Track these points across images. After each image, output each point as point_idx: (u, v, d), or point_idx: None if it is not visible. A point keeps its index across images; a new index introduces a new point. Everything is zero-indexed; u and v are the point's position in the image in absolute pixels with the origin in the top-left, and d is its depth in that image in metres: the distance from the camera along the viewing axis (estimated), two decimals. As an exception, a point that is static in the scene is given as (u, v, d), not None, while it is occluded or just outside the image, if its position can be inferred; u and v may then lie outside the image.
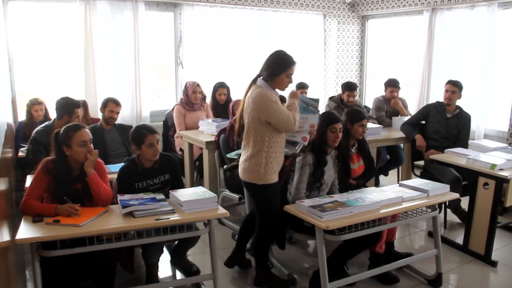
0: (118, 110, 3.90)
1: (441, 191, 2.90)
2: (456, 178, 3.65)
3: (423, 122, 4.27)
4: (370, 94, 6.66)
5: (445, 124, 4.10)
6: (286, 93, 2.82)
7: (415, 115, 4.36)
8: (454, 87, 4.05)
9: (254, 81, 2.74)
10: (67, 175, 2.52)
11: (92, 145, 2.56)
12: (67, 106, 3.62)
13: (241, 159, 2.81)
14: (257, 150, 2.68)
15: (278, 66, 2.67)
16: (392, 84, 4.78)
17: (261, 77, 2.71)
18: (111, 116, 3.84)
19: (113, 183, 2.77)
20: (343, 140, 3.03)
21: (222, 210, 2.51)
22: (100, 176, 2.56)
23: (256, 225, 2.89)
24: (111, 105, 3.84)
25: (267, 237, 2.90)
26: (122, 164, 2.91)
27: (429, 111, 4.19)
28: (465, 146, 4.01)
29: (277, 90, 2.75)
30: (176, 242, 2.99)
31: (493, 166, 3.20)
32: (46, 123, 3.66)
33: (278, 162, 2.75)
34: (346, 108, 4.29)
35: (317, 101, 2.97)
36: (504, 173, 3.14)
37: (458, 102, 4.17)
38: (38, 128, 3.59)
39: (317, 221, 2.41)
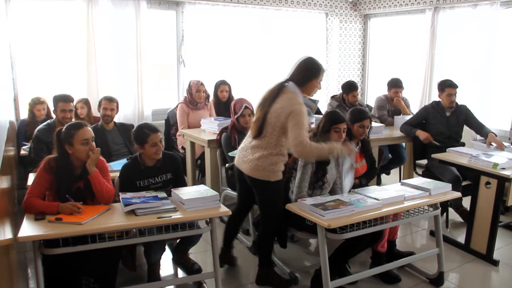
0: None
1: (443, 190, 2.90)
2: (456, 177, 3.64)
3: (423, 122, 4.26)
4: (372, 93, 6.65)
5: (446, 123, 4.09)
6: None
7: (413, 117, 4.32)
8: (456, 89, 4.05)
9: (283, 85, 2.73)
10: (69, 173, 2.53)
11: (94, 143, 2.57)
12: (53, 100, 3.64)
13: (250, 156, 2.75)
14: (276, 152, 2.70)
15: (311, 72, 2.74)
16: (396, 85, 4.75)
17: (292, 82, 2.72)
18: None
19: (115, 181, 2.77)
20: (347, 140, 3.03)
21: (224, 209, 2.52)
22: (102, 174, 2.56)
23: (261, 223, 2.90)
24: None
25: (272, 234, 2.91)
26: (125, 162, 2.91)
27: (428, 113, 4.17)
28: (484, 129, 3.95)
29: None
30: (178, 241, 2.99)
31: (495, 165, 3.19)
32: (48, 121, 3.66)
33: (285, 161, 2.83)
34: (348, 107, 4.28)
35: (316, 102, 2.97)
36: (506, 172, 3.13)
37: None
38: (40, 126, 3.59)
39: (319, 219, 2.41)
